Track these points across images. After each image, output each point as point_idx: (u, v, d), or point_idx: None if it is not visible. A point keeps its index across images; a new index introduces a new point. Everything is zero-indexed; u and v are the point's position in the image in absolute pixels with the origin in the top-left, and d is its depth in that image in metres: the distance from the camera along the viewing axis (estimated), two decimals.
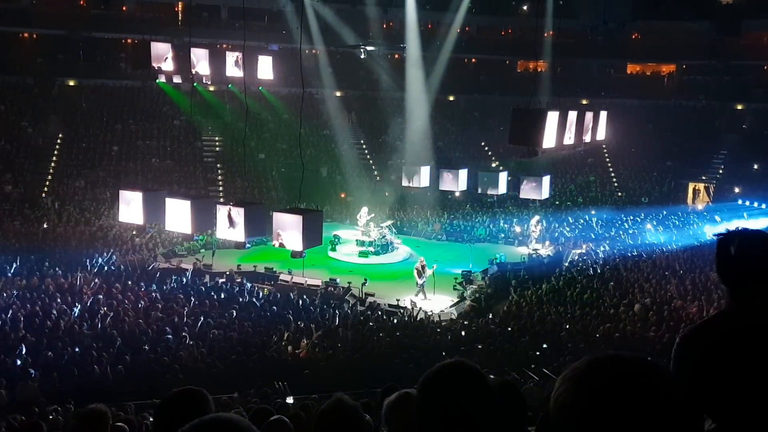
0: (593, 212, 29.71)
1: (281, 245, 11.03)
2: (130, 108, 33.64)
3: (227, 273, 19.93)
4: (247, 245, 19.35)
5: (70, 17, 33.61)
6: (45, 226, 23.86)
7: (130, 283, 17.84)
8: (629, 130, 32.50)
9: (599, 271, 20.41)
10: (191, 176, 30.57)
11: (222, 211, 11.23)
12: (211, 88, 29.28)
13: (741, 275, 1.85)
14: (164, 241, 23.42)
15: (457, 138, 36.87)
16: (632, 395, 1.09)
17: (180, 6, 35.49)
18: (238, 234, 11.12)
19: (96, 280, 17.70)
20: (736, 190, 32.17)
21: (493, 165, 32.29)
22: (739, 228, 1.93)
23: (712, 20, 35.31)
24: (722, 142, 34.56)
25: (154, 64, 16.58)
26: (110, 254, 20.74)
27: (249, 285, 18.77)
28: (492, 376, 7.83)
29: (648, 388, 1.10)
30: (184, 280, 18.79)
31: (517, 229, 26.99)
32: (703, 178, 33.83)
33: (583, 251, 24.01)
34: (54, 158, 29.70)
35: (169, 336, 13.66)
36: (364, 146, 35.16)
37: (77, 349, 12.66)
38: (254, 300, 17.39)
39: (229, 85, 20.81)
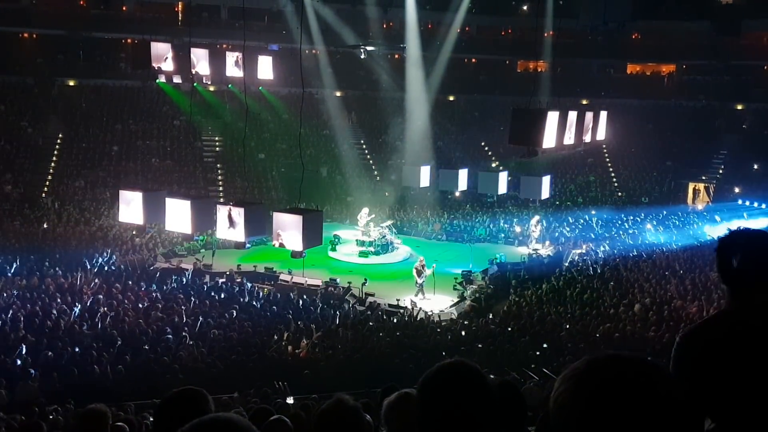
0: (593, 212, 29.71)
1: (281, 245, 11.02)
2: (130, 108, 33.64)
3: (227, 273, 19.93)
4: (247, 245, 19.36)
5: (70, 17, 33.61)
6: (45, 226, 23.86)
7: (130, 283, 17.84)
8: (629, 130, 32.50)
9: (599, 271, 20.40)
10: (191, 176, 30.58)
11: (222, 211, 11.21)
12: (211, 88, 29.31)
13: (741, 275, 1.85)
14: (164, 241, 23.42)
15: (457, 138, 36.87)
16: (632, 395, 1.09)
17: (180, 6, 35.49)
18: (238, 234, 11.11)
19: (96, 280, 17.70)
20: (736, 190, 32.18)
21: (493, 165, 32.28)
22: (740, 228, 1.93)
23: (712, 20, 35.31)
24: (722, 142, 34.55)
25: (154, 64, 16.57)
26: (110, 254, 20.74)
27: (249, 285, 18.77)
28: (492, 376, 7.83)
29: (647, 388, 1.10)
30: (184, 280, 18.79)
31: (517, 229, 26.99)
32: (703, 178, 33.83)
33: (583, 251, 24.01)
34: (54, 158, 29.71)
35: (169, 336, 13.66)
36: (364, 146, 35.16)
37: (77, 349, 12.66)
38: (254, 300, 17.39)
39: (229, 85, 20.81)
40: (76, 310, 15.14)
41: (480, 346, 14.28)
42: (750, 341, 1.63)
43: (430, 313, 17.49)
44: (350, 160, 32.25)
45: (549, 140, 12.65)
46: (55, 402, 10.16)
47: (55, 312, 14.76)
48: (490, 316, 17.11)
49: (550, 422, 1.17)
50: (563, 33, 35.03)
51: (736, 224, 26.12)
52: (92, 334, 13.63)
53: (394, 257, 24.03)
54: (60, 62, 33.85)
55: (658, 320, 15.46)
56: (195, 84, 19.26)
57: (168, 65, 16.80)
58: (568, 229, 27.41)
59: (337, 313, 16.60)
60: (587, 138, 15.47)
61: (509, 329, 15.50)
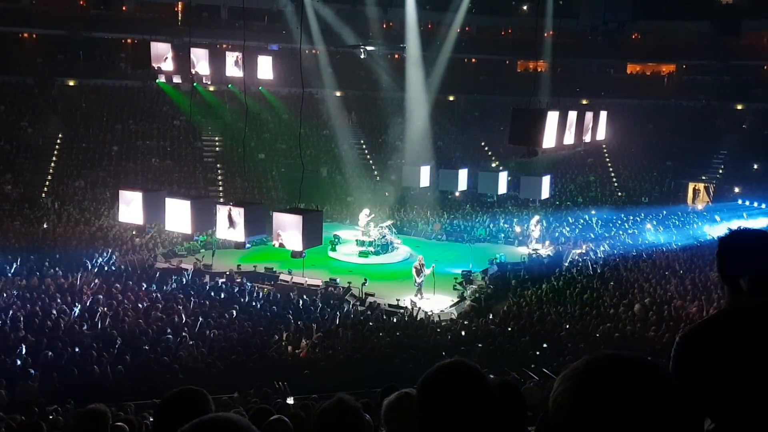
0: (593, 212, 29.72)
1: (281, 245, 11.02)
2: (130, 108, 33.65)
3: (227, 273, 19.93)
4: (247, 245, 19.36)
5: (70, 17, 33.62)
6: (45, 226, 23.86)
7: (130, 283, 17.85)
8: (629, 130, 32.51)
9: (599, 271, 20.40)
10: (191, 176, 30.58)
11: (222, 211, 11.20)
12: (211, 88, 29.30)
13: (741, 275, 1.85)
14: (164, 241, 23.43)
15: (457, 138, 36.87)
16: (631, 395, 1.09)
17: (180, 6, 35.49)
18: (238, 234, 11.10)
19: (96, 280, 17.70)
20: (736, 190, 32.19)
21: (493, 165, 32.28)
22: (740, 228, 1.93)
23: (712, 20, 35.31)
24: (722, 142, 34.56)
25: (154, 64, 16.55)
26: (110, 254, 20.75)
27: (249, 285, 18.77)
28: (492, 376, 7.83)
29: (647, 388, 1.10)
30: (184, 280, 18.79)
31: (517, 229, 26.99)
32: (703, 178, 33.84)
33: (583, 251, 24.02)
34: (54, 158, 29.71)
35: (169, 336, 13.66)
36: (364, 146, 35.17)
37: (77, 349, 12.66)
38: (254, 300, 17.39)
39: (229, 85, 20.79)
40: (76, 310, 15.15)
41: (480, 346, 14.28)
42: (750, 341, 1.63)
43: (430, 313, 17.49)
44: (350, 160, 32.26)
45: (549, 140, 12.64)
46: (55, 402, 10.16)
47: (55, 312, 14.76)
48: (490, 316, 17.11)
49: (549, 422, 1.17)
50: (563, 33, 35.03)
51: (736, 224, 26.14)
52: (92, 334, 13.64)
53: (394, 257, 24.03)
54: (60, 62, 33.85)
55: (658, 320, 15.45)
56: (195, 84, 19.25)
57: (168, 65, 16.79)
58: (568, 229, 27.42)
59: (337, 313, 16.60)
60: (587, 138, 15.47)
61: (509, 329, 15.50)
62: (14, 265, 18.55)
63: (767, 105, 35.51)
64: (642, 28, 38.34)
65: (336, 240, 24.61)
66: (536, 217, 26.08)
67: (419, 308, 17.76)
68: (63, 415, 9.43)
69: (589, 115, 15.48)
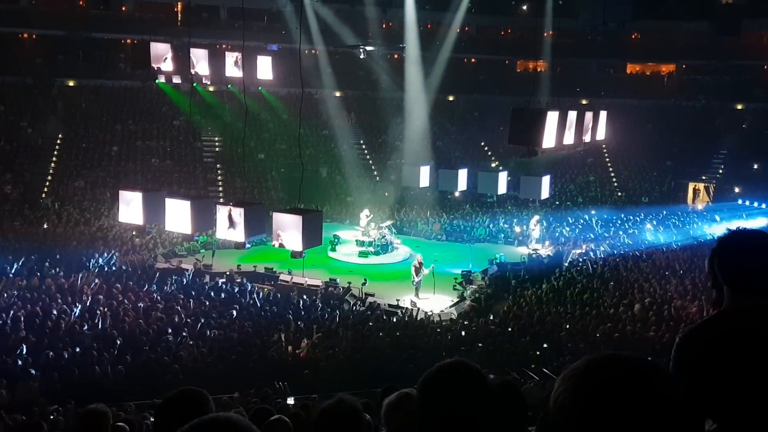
0: (593, 212, 29.72)
1: (281, 245, 11.02)
2: (129, 108, 33.63)
3: (227, 273, 19.93)
4: (247, 245, 19.35)
5: (70, 17, 33.60)
6: (45, 226, 23.86)
7: (130, 283, 17.85)
8: (629, 130, 32.50)
9: (599, 271, 20.40)
10: (191, 176, 30.57)
11: (222, 212, 11.20)
12: (211, 89, 29.29)
13: (741, 275, 1.85)
14: (164, 242, 23.43)
15: (456, 138, 36.86)
16: (631, 395, 1.09)
17: (179, 6, 35.47)
18: (238, 234, 11.10)
19: (96, 281, 17.70)
20: (736, 189, 32.18)
21: (493, 165, 32.28)
22: (739, 228, 1.94)
23: (711, 20, 35.32)
24: (722, 142, 34.56)
25: (154, 65, 16.55)
26: (110, 255, 20.74)
27: (249, 285, 18.77)
28: (492, 376, 7.83)
29: (647, 388, 1.10)
30: (184, 280, 18.80)
31: (517, 229, 26.99)
32: (703, 178, 33.84)
33: (583, 251, 24.02)
34: (54, 158, 29.71)
35: (170, 336, 13.66)
36: (363, 146, 35.16)
37: (78, 349, 12.66)
38: (254, 300, 17.39)
39: (229, 86, 20.80)
40: (77, 310, 15.14)
41: (480, 346, 14.29)
42: (749, 342, 1.63)
43: (430, 313, 17.50)
44: (350, 160, 32.25)
45: (549, 140, 12.65)
46: (55, 402, 10.17)
47: (55, 312, 14.76)
48: (490, 316, 17.11)
49: (550, 422, 1.17)
50: (563, 33, 35.04)
51: (735, 224, 26.16)
52: (93, 334, 13.64)
53: (394, 257, 24.03)
54: (59, 62, 33.83)
55: (658, 320, 15.45)
56: (194, 84, 19.24)
57: (167, 65, 16.79)
58: (567, 229, 27.42)
59: (337, 313, 16.60)
60: (587, 138, 15.48)
61: (509, 329, 15.50)
62: (15, 266, 18.54)
63: (767, 105, 35.50)
64: (642, 28, 38.33)
65: (336, 240, 24.61)
66: (536, 217, 26.08)
67: (419, 308, 17.76)
68: (63, 415, 9.44)
69: (588, 115, 15.50)
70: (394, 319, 16.75)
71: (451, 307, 19.04)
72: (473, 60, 41.68)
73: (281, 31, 34.28)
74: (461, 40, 36.62)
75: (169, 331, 13.99)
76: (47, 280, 17.37)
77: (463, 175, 18.02)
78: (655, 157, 34.85)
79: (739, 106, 36.71)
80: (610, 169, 35.10)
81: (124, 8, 35.60)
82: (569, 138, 14.00)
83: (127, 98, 34.00)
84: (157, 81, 18.56)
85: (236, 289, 18.23)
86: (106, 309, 15.22)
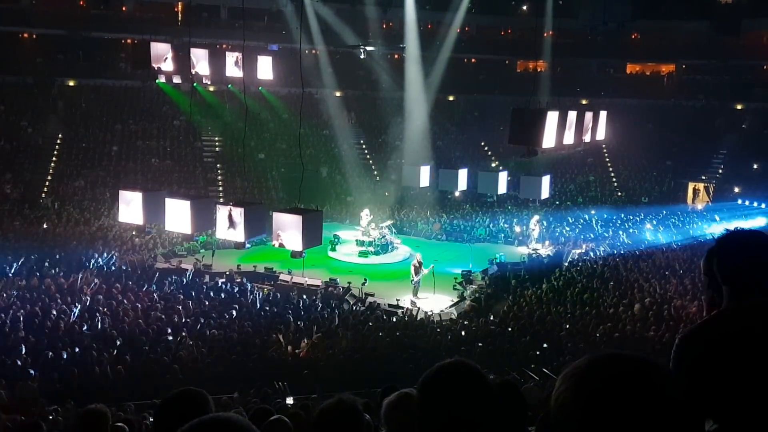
0: (593, 212, 29.73)
1: (281, 245, 11.02)
2: (130, 108, 33.64)
3: (227, 273, 19.93)
4: (247, 245, 19.33)
5: (70, 17, 33.61)
6: (45, 226, 23.85)
7: (130, 283, 17.84)
8: (629, 130, 32.51)
9: (599, 270, 20.40)
10: (191, 176, 30.58)
11: (222, 211, 11.20)
12: (211, 88, 29.29)
13: (740, 275, 1.85)
14: (164, 241, 23.42)
15: (456, 138, 36.87)
16: (632, 394, 1.09)
17: (180, 6, 35.49)
18: (238, 234, 11.09)
19: (96, 281, 17.69)
20: (736, 189, 32.19)
21: (493, 165, 32.28)
22: (737, 228, 1.94)
23: (711, 20, 35.35)
24: (722, 142, 34.57)
25: (154, 64, 16.55)
26: (110, 254, 20.74)
27: (249, 285, 18.77)
28: (492, 376, 7.83)
29: (648, 387, 1.10)
30: (184, 280, 18.79)
31: (517, 229, 26.99)
32: (703, 177, 33.85)
33: (583, 251, 24.02)
34: (54, 158, 29.71)
35: (169, 336, 13.66)
36: (363, 146, 35.17)
37: (77, 349, 12.65)
38: (254, 300, 17.39)
39: (229, 85, 20.80)
40: (76, 310, 15.13)
41: (480, 346, 14.29)
42: (749, 342, 1.63)
43: (430, 313, 17.50)
44: (350, 160, 32.26)
45: (549, 140, 12.66)
46: (55, 402, 10.16)
47: (55, 312, 14.75)
48: (490, 317, 17.11)
49: (550, 421, 1.17)
50: (563, 33, 35.06)
51: (735, 224, 26.17)
52: (92, 334, 13.63)
53: (394, 257, 24.03)
54: (60, 62, 33.84)
55: (658, 320, 15.45)
56: (195, 84, 19.25)
57: (168, 65, 16.79)
58: (568, 228, 27.42)
59: (337, 313, 16.60)
60: (587, 138, 15.49)
61: (509, 329, 15.50)
62: (14, 266, 18.53)
63: (767, 105, 35.51)
64: (641, 28, 38.36)
65: (336, 240, 24.61)
66: (536, 217, 26.08)
67: (419, 308, 17.77)
68: (63, 415, 9.43)
69: (588, 115, 15.50)
70: (394, 319, 16.74)
71: (451, 306, 19.04)
72: (473, 60, 41.69)
73: (281, 31, 34.29)
74: (461, 40, 36.64)
75: (169, 331, 13.98)
76: (47, 280, 17.36)
77: (463, 174, 18.03)
78: (655, 157, 34.86)
79: (739, 106, 36.72)
80: (610, 168, 35.12)
81: (124, 8, 35.62)
82: (569, 138, 14.01)
83: (127, 98, 34.01)
84: (157, 81, 18.57)
85: (236, 289, 18.23)
86: (105, 309, 15.21)
